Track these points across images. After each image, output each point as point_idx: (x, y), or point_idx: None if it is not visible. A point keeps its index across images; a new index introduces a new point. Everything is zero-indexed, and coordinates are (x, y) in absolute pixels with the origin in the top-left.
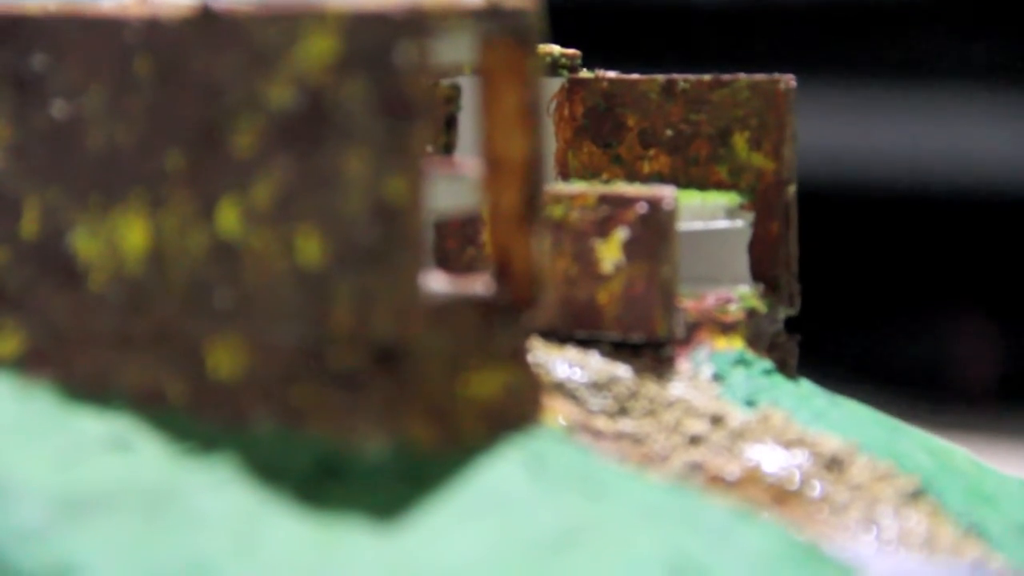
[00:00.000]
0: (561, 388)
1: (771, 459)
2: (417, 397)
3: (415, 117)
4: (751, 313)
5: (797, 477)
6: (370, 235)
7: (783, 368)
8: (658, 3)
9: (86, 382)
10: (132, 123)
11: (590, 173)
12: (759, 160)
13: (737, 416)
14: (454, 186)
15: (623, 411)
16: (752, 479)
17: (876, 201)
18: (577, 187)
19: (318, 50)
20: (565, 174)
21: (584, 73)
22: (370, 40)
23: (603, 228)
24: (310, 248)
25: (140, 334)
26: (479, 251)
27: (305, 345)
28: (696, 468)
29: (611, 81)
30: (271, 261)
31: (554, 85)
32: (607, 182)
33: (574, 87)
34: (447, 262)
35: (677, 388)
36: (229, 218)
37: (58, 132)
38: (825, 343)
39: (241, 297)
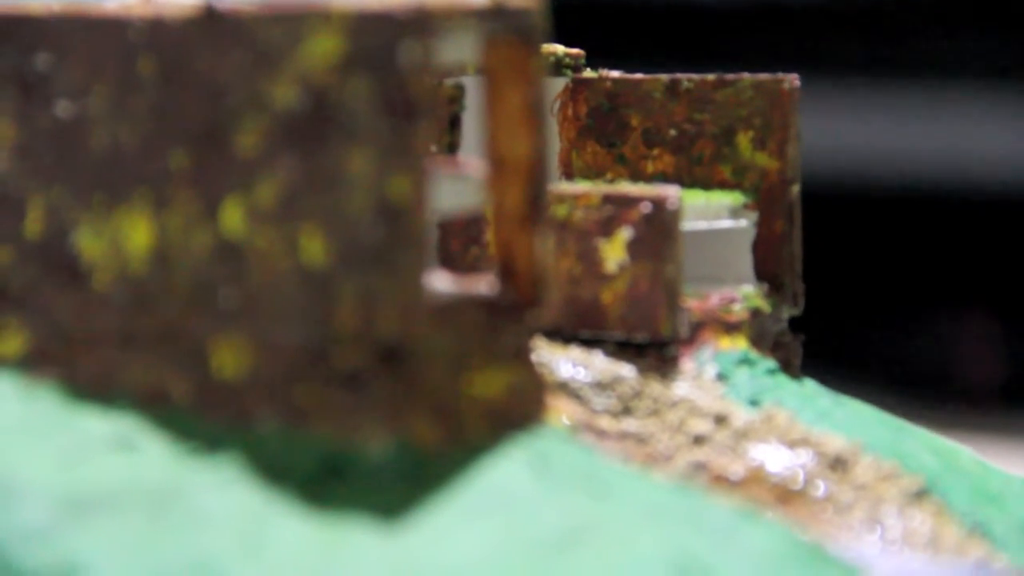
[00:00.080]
0: (565, 388)
1: (775, 459)
2: (421, 396)
3: (419, 117)
4: (755, 313)
5: (801, 477)
6: (374, 235)
7: (787, 368)
8: (662, 3)
9: (90, 382)
10: (136, 123)
11: (594, 173)
12: (763, 160)
13: (741, 416)
14: (458, 186)
15: (627, 411)
16: (756, 479)
17: (881, 201)
18: (581, 187)
19: (322, 50)
20: (569, 174)
21: (588, 73)
22: (374, 40)
23: (607, 228)
24: (314, 248)
25: (144, 334)
26: (483, 251)
27: (309, 345)
28: (700, 468)
29: (615, 81)
30: (275, 261)
31: (558, 85)
32: (611, 182)
33: (578, 87)
34: (451, 262)
35: (681, 388)
36: (233, 218)
37: (62, 132)
38: (829, 343)
39: (245, 297)
